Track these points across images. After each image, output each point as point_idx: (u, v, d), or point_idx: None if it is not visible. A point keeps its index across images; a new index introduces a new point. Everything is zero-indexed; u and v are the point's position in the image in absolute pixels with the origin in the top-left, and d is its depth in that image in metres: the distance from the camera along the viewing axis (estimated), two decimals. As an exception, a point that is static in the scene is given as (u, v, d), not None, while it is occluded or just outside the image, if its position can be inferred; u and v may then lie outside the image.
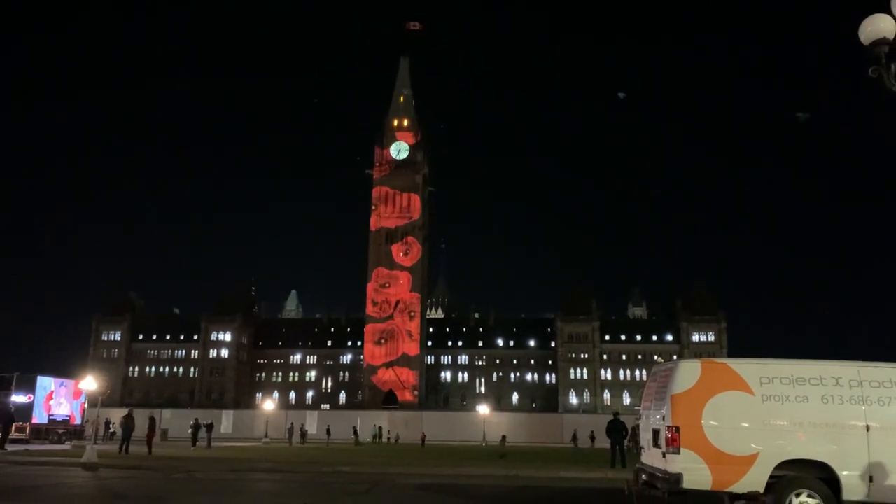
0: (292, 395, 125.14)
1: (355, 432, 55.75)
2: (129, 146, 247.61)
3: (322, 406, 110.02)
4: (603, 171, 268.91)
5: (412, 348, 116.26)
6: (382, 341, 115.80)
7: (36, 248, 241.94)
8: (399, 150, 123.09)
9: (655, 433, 10.10)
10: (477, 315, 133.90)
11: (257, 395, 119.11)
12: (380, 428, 61.96)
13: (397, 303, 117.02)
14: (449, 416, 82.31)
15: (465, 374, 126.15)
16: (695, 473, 9.16)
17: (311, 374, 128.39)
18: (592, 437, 49.29)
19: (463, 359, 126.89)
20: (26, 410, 39.00)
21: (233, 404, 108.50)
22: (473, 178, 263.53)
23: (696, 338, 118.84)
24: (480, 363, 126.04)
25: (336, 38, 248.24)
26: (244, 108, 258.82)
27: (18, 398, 39.46)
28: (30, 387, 40.60)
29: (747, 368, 9.73)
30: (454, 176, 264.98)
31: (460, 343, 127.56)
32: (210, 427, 43.84)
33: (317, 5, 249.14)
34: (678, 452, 9.23)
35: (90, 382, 28.35)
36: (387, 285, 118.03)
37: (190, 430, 42.62)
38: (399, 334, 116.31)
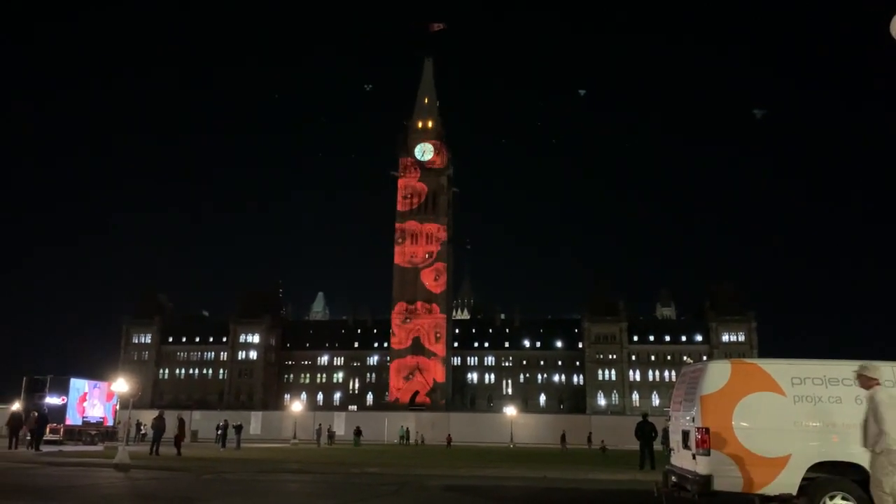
0: (320, 396, 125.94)
1: (357, 432, 55.79)
2: (152, 147, 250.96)
3: (349, 407, 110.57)
4: (630, 171, 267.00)
5: (439, 349, 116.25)
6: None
7: (66, 251, 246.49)
8: (423, 151, 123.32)
9: (685, 434, 9.98)
10: (503, 316, 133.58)
11: (285, 396, 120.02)
12: (407, 429, 62.11)
13: (424, 308, 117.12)
14: (476, 417, 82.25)
15: (492, 376, 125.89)
16: (725, 475, 9.04)
17: (339, 376, 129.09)
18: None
19: (489, 360, 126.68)
20: (60, 412, 39.72)
21: (261, 406, 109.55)
22: (498, 179, 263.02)
23: (725, 338, 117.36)
24: (507, 364, 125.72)
25: (361, 36, 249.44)
26: (268, 106, 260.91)
27: (52, 400, 40.22)
28: (63, 389, 41.36)
29: (778, 369, 9.57)
30: (479, 177, 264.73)
31: (486, 344, 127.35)
32: (239, 428, 44.30)
33: (347, 3, 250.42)
34: (708, 454, 9.12)
35: (122, 384, 28.79)
36: (404, 276, 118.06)
37: (219, 432, 43.09)
38: (425, 336, 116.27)
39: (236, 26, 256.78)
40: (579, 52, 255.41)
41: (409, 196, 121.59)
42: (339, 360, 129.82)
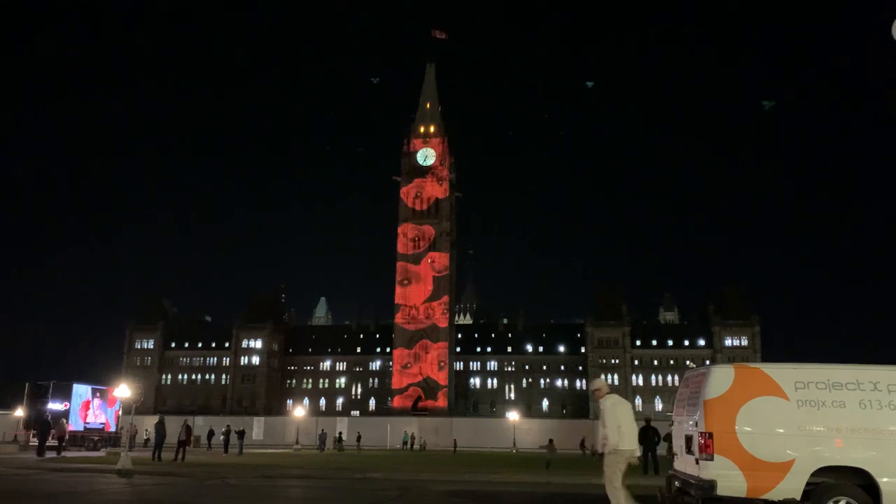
0: (322, 401, 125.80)
1: (339, 438, 55.71)
2: (155, 153, 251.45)
3: (352, 412, 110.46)
4: (632, 175, 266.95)
5: (441, 355, 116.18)
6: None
7: (68, 258, 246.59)
8: (426, 156, 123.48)
9: (688, 439, 9.95)
10: (506, 321, 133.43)
11: (288, 401, 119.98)
12: (410, 434, 62.07)
13: (426, 299, 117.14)
14: (479, 422, 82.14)
15: (495, 381, 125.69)
16: (729, 480, 9.00)
17: (341, 381, 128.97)
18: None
19: (492, 365, 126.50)
20: (62, 418, 39.77)
21: (264, 411, 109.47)
22: (500, 184, 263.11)
23: (729, 342, 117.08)
24: (510, 369, 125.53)
25: (363, 42, 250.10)
26: (270, 113, 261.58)
27: (55, 406, 40.28)
28: (66, 395, 41.44)
29: (782, 373, 9.54)
30: (481, 181, 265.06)
31: (489, 349, 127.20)
32: (241, 434, 44.32)
33: (348, 10, 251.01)
34: (712, 459, 9.08)
35: (124, 390, 28.83)
36: (407, 282, 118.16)
37: (222, 437, 43.09)
38: (427, 342, 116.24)
39: (247, 35, 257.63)
40: (583, 54, 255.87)
41: (411, 200, 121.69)
42: (341, 366, 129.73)
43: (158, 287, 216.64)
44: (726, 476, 9.00)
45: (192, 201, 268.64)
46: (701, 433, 9.28)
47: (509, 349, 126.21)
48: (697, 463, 9.38)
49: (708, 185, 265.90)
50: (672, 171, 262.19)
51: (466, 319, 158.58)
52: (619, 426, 9.57)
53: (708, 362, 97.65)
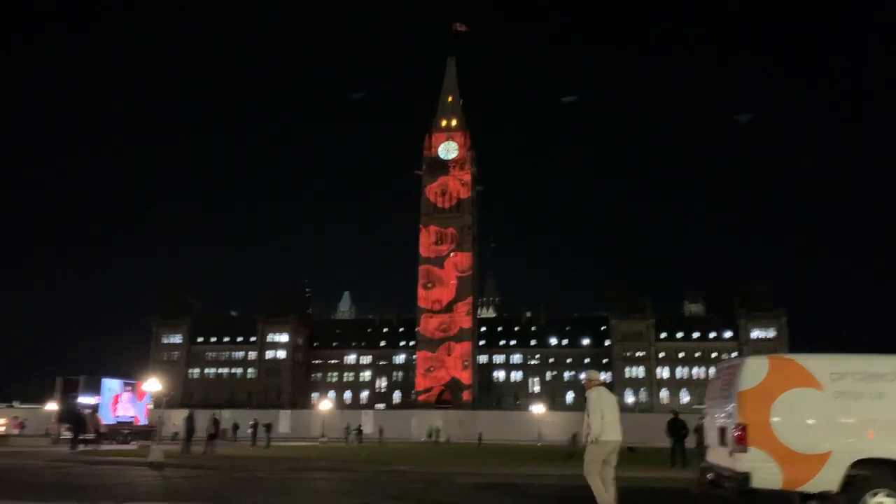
0: (347, 394, 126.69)
1: (358, 431, 55.90)
2: (177, 146, 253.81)
3: (377, 406, 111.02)
4: (655, 167, 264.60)
5: (465, 355, 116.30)
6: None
7: (94, 252, 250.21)
8: (447, 150, 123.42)
9: (722, 431, 9.85)
10: (529, 314, 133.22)
11: (313, 395, 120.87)
12: (436, 428, 62.21)
13: (449, 301, 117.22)
14: (503, 415, 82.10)
15: (519, 374, 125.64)
16: (764, 472, 8.89)
17: (366, 374, 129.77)
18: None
19: (516, 358, 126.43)
20: (94, 412, 40.41)
21: (289, 404, 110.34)
22: (522, 177, 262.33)
23: (755, 334, 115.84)
24: (533, 362, 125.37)
25: (384, 36, 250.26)
26: (289, 107, 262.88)
27: (86, 400, 40.97)
28: (96, 389, 42.11)
29: (817, 364, 9.39)
30: (502, 174, 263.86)
31: (513, 342, 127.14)
32: (269, 427, 44.74)
33: (368, 5, 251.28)
34: (746, 451, 8.98)
35: (154, 384, 29.24)
36: (430, 285, 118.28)
37: (249, 430, 43.53)
38: (451, 343, 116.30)
39: (269, 25, 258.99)
40: (602, 50, 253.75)
41: (434, 196, 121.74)
42: (365, 359, 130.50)
43: (182, 281, 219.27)
44: (761, 468, 8.89)
45: (217, 196, 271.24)
46: (735, 425, 9.17)
47: (533, 342, 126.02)
48: (731, 455, 9.27)
49: (732, 176, 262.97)
50: (695, 164, 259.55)
51: (489, 313, 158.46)
52: (602, 416, 9.95)
53: (734, 355, 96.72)
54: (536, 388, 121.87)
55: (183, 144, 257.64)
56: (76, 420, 34.04)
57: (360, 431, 57.21)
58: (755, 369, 9.38)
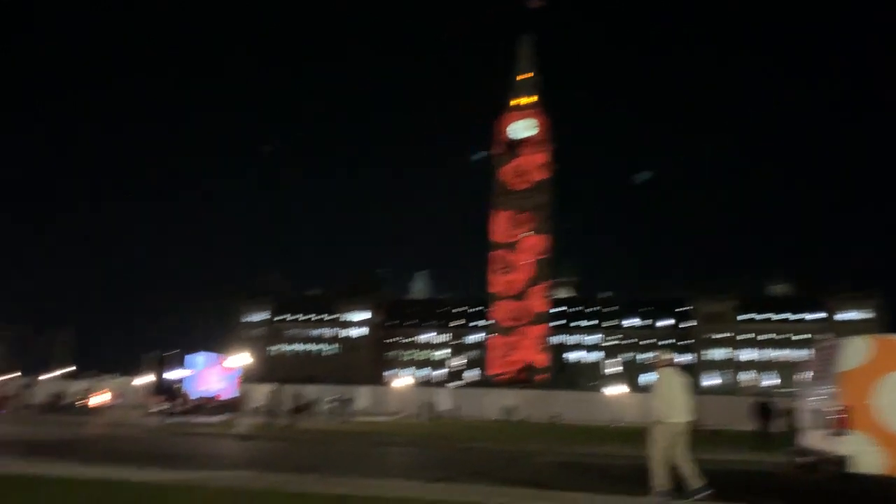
0: (423, 372, 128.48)
1: (434, 408, 56.13)
2: (254, 124, 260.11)
3: (452, 383, 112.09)
4: (738, 142, 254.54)
5: (540, 339, 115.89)
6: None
7: (180, 230, 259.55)
8: (522, 128, 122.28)
9: (817, 413, 9.47)
10: (606, 294, 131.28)
11: (390, 372, 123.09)
12: (512, 407, 62.30)
13: (524, 286, 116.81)
14: (578, 395, 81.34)
15: (596, 354, 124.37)
16: (865, 456, 8.50)
17: (441, 353, 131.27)
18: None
19: (592, 339, 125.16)
20: (185, 385, 42.40)
21: (367, 381, 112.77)
22: (598, 154, 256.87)
23: (847, 316, 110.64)
24: (610, 343, 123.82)
25: (455, 14, 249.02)
26: (362, 84, 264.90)
27: (178, 374, 43.01)
28: (188, 363, 44.13)
29: (924, 345, 8.89)
30: (580, 150, 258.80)
31: (590, 322, 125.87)
32: (348, 402, 45.87)
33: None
34: (846, 434, 8.60)
35: (239, 359, 30.36)
36: (504, 270, 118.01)
37: (330, 406, 44.73)
38: (526, 328, 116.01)
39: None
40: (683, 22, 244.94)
41: (508, 177, 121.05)
42: (440, 338, 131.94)
43: (262, 259, 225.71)
44: (862, 452, 8.50)
45: (298, 172, 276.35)
46: (834, 407, 8.80)
47: (610, 323, 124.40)
48: (828, 438, 8.91)
49: (823, 151, 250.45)
50: (782, 139, 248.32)
51: (565, 293, 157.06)
52: (668, 398, 9.78)
53: (826, 336, 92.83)
54: (612, 369, 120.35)
55: (259, 121, 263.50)
56: (168, 392, 35.74)
57: (436, 408, 57.89)
58: (858, 349, 8.97)
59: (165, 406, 35.18)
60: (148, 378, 47.41)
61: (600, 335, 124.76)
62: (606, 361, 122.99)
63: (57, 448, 16.85)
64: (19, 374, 61.82)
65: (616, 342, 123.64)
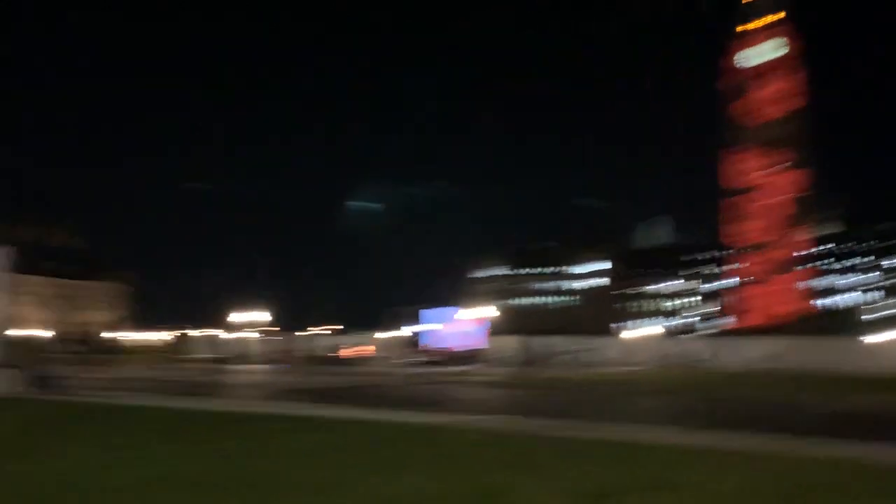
0: (664, 322, 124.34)
1: (681, 357, 52.76)
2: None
3: (695, 332, 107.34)
4: None
5: (792, 286, 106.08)
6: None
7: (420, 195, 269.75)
8: (769, 49, 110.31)
9: None
10: (880, 227, 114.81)
11: (628, 322, 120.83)
12: (770, 355, 58.04)
13: (778, 230, 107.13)
14: (840, 343, 73.63)
15: (866, 297, 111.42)
16: None
17: (682, 301, 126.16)
18: None
19: (863, 279, 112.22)
20: (433, 337, 45.21)
21: (604, 332, 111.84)
22: (857, 64, 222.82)
23: None
24: (885, 283, 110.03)
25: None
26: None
27: (426, 326, 45.97)
28: (434, 318, 47.01)
29: None
30: (833, 62, 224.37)
31: (860, 261, 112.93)
32: (588, 353, 45.87)
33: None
34: None
35: (486, 311, 31.62)
36: (749, 216, 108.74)
37: (570, 356, 45.08)
38: (776, 276, 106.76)
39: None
40: None
41: (749, 110, 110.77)
42: (682, 286, 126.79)
43: (505, 215, 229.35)
44: None
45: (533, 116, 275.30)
46: None
47: (884, 262, 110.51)
48: None
49: None
50: None
51: (832, 228, 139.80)
52: None
53: None
54: (887, 313, 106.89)
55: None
56: (417, 344, 38.42)
57: (688, 356, 55.63)
58: None
59: (419, 357, 37.89)
60: (396, 332, 51.14)
61: (874, 274, 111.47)
62: (881, 304, 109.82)
63: (342, 394, 18.94)
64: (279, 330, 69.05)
65: (891, 283, 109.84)
